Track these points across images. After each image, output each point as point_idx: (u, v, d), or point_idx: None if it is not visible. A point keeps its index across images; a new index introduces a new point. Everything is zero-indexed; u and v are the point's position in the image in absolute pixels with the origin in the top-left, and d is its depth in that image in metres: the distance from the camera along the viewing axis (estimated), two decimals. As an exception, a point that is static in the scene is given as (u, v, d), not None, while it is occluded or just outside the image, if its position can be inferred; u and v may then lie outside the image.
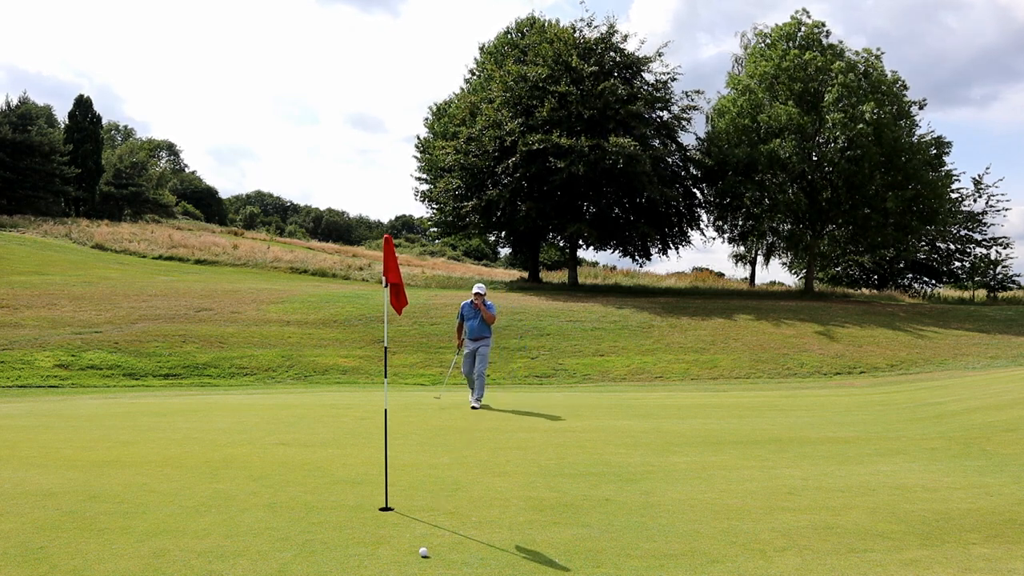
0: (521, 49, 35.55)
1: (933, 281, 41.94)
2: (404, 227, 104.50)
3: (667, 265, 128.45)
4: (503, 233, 37.54)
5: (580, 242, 36.38)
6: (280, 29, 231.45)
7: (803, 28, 34.20)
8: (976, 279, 38.34)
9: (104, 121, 68.58)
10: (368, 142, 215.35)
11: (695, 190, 36.08)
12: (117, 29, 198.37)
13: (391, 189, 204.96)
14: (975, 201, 37.56)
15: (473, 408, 10.98)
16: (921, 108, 33.79)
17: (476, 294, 11.21)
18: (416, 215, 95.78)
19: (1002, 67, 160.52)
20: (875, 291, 39.51)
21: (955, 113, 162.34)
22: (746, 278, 46.38)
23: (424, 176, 43.71)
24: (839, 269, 43.96)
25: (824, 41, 33.98)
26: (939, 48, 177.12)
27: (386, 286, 5.91)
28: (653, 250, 35.94)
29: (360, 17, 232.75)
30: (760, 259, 44.40)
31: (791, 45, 33.98)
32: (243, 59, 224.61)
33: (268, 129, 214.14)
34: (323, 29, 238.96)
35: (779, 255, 42.23)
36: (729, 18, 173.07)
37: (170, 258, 40.03)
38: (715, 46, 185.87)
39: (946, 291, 40.79)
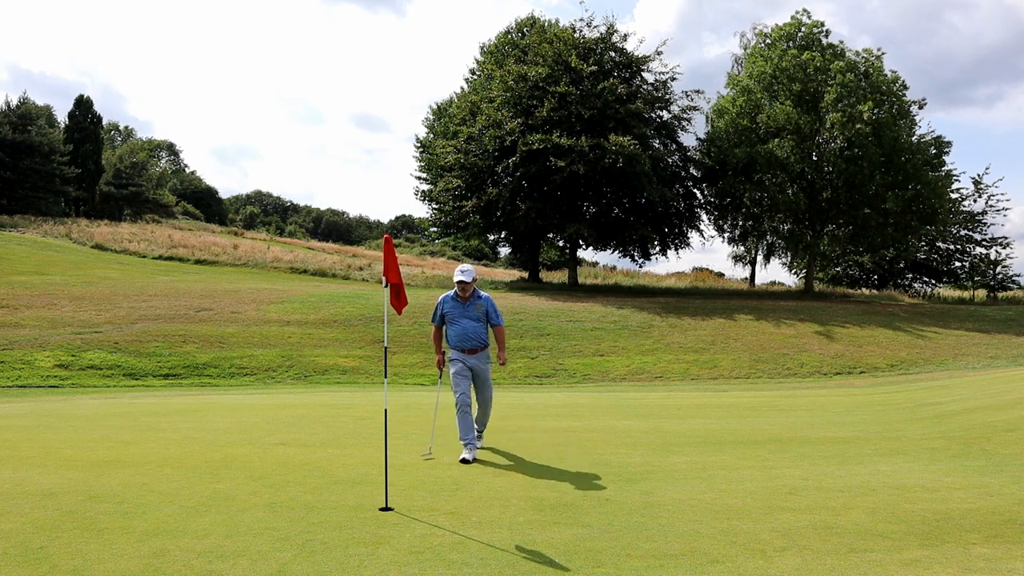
0: (521, 49, 35.59)
1: (933, 281, 41.94)
2: (404, 227, 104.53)
3: (667, 265, 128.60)
4: (503, 233, 37.59)
5: (580, 242, 36.41)
6: (286, 29, 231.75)
7: (803, 28, 34.21)
8: (976, 279, 38.35)
9: (104, 121, 68.63)
10: (372, 142, 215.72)
11: (695, 190, 36.12)
12: (120, 28, 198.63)
13: (393, 189, 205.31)
14: (975, 201, 37.60)
15: (465, 461, 7.01)
16: (921, 108, 33.82)
17: (460, 283, 7.26)
18: (416, 215, 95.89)
19: (1007, 67, 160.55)
20: (875, 291, 39.52)
21: (960, 113, 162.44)
22: (746, 278, 46.41)
23: (424, 176, 43.78)
24: (839, 269, 43.98)
25: (824, 41, 33.99)
26: (944, 48, 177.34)
27: (386, 286, 5.91)
28: (652, 251, 36.00)
29: (366, 17, 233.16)
30: (760, 259, 44.46)
31: (791, 45, 33.99)
32: (247, 58, 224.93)
33: (272, 129, 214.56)
34: (329, 29, 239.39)
35: (779, 255, 42.27)
36: (735, 17, 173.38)
37: (170, 258, 40.03)
38: (720, 45, 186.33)
39: (946, 291, 40.79)
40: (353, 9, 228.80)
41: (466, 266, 7.54)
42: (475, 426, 7.53)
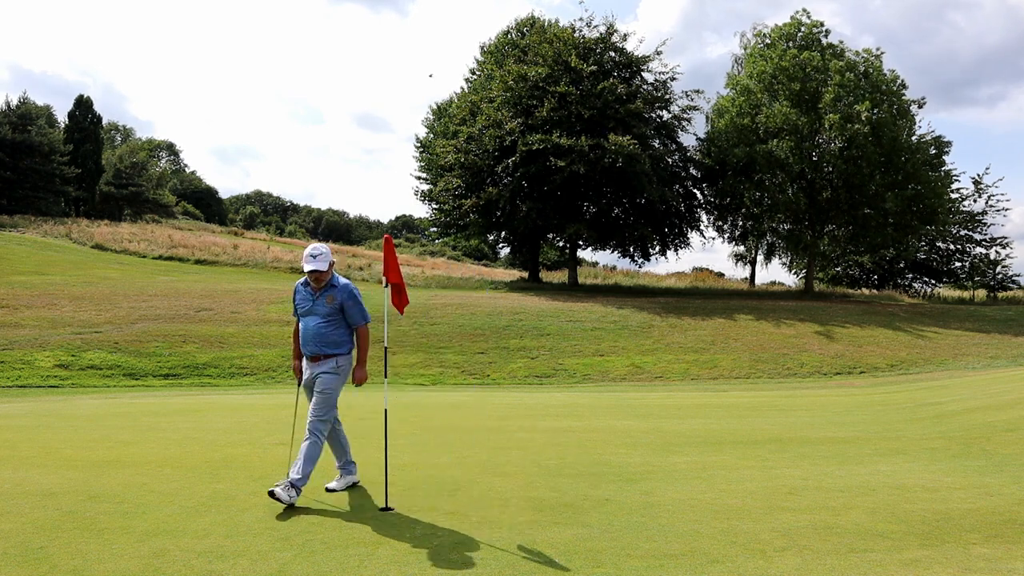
0: (521, 49, 35.62)
1: (933, 281, 41.98)
2: (404, 227, 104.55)
3: (667, 265, 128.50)
4: (503, 233, 37.64)
5: (580, 242, 36.43)
6: (288, 29, 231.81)
7: (803, 28, 34.23)
8: (976, 279, 38.36)
9: (105, 121, 68.61)
10: (373, 142, 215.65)
11: (695, 190, 36.16)
12: (122, 28, 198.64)
13: (394, 189, 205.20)
14: (975, 201, 37.64)
15: (276, 493, 5.19)
16: (920, 107, 33.83)
17: (313, 273, 5.48)
18: (416, 215, 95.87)
19: (1010, 67, 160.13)
20: (875, 291, 39.52)
21: (962, 113, 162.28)
22: (746, 278, 46.42)
23: (424, 176, 43.81)
24: (839, 269, 44.02)
25: (823, 41, 34.01)
26: (947, 48, 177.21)
27: (386, 286, 5.90)
28: (652, 251, 36.04)
29: (368, 16, 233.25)
30: (760, 259, 44.48)
31: (790, 45, 34.02)
32: (249, 58, 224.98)
33: (273, 129, 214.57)
34: (331, 28, 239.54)
35: (779, 255, 42.29)
36: (738, 17, 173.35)
37: (170, 258, 40.03)
38: (723, 45, 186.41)
39: (946, 291, 40.81)
40: (356, 9, 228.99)
41: (319, 248, 5.54)
42: (297, 468, 5.32)
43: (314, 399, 5.53)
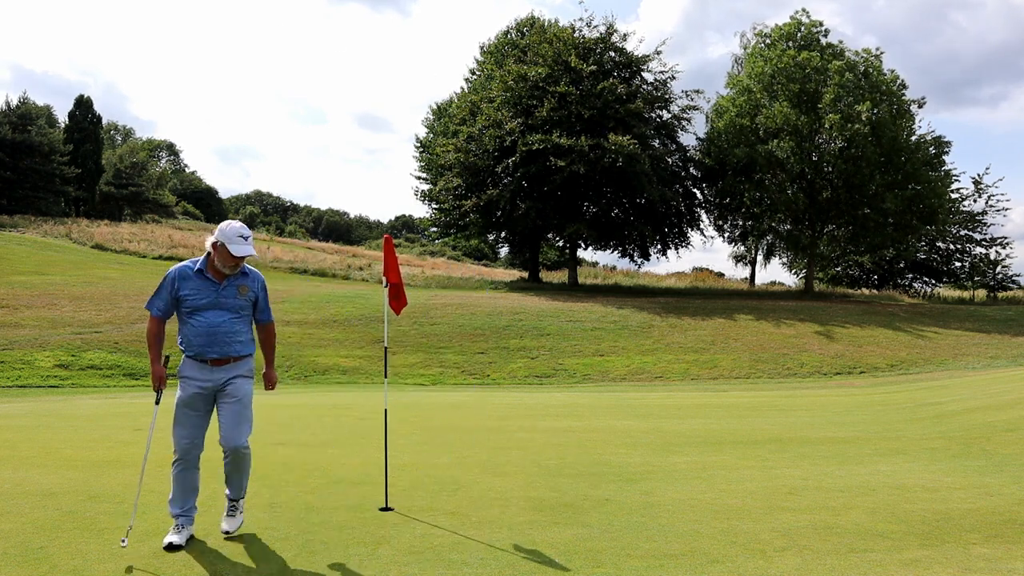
0: (521, 49, 35.65)
1: (933, 281, 41.98)
2: (404, 227, 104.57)
3: (667, 265, 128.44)
4: (503, 233, 37.66)
5: (580, 242, 36.45)
6: (289, 28, 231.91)
7: (802, 28, 34.25)
8: (976, 279, 38.36)
9: (105, 121, 68.62)
10: (375, 142, 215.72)
11: (695, 190, 36.20)
12: (123, 27, 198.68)
13: (394, 189, 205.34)
14: (975, 201, 37.65)
15: (172, 545, 4.31)
16: (920, 107, 33.84)
17: (244, 257, 4.49)
18: (416, 215, 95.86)
19: (1012, 67, 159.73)
20: (875, 291, 39.52)
21: (964, 113, 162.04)
22: (746, 278, 46.44)
23: (424, 176, 43.85)
24: (839, 269, 44.02)
25: (823, 41, 34.02)
26: (949, 48, 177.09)
27: (386, 286, 5.90)
28: (652, 251, 36.07)
29: (370, 16, 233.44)
30: (760, 259, 44.49)
31: (790, 45, 34.03)
32: (250, 58, 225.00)
33: (273, 129, 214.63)
34: (333, 28, 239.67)
35: (779, 255, 42.30)
36: (739, 17, 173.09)
37: (170, 258, 39.98)
38: (724, 45, 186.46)
39: (946, 291, 40.82)
40: (357, 8, 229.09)
41: (246, 228, 4.57)
42: (226, 492, 4.69)
43: (231, 413, 4.57)
